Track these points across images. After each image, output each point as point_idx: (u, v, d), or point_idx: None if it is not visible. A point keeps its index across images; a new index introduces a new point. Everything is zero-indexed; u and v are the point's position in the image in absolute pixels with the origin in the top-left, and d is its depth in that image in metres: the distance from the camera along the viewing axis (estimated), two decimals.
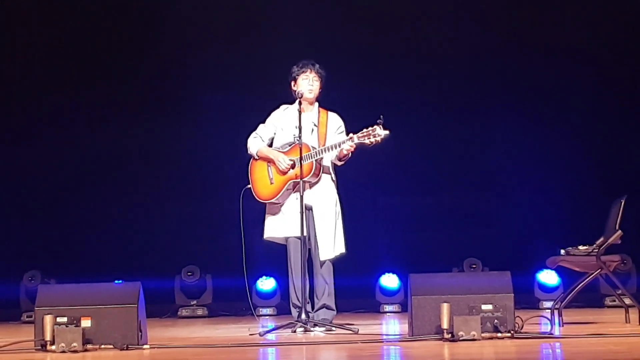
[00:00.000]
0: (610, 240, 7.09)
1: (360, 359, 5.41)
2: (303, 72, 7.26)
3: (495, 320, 5.90)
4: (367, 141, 6.86)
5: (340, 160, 7.13)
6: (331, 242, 7.15)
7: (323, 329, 6.87)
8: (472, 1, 10.19)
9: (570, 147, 10.09)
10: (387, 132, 6.84)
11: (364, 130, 6.89)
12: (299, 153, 6.94)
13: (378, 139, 6.84)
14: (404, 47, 10.26)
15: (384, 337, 6.82)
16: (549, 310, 7.55)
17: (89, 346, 5.78)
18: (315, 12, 10.13)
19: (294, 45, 9.43)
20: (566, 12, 10.11)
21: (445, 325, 5.78)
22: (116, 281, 7.32)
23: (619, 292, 7.79)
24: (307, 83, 7.23)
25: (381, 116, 6.81)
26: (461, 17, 10.15)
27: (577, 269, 7.45)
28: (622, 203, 7.13)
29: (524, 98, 10.22)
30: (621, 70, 10.12)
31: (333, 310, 7.22)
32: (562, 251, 7.30)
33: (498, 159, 10.16)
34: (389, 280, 9.96)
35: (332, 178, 7.27)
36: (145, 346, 5.89)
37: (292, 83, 7.30)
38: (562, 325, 7.10)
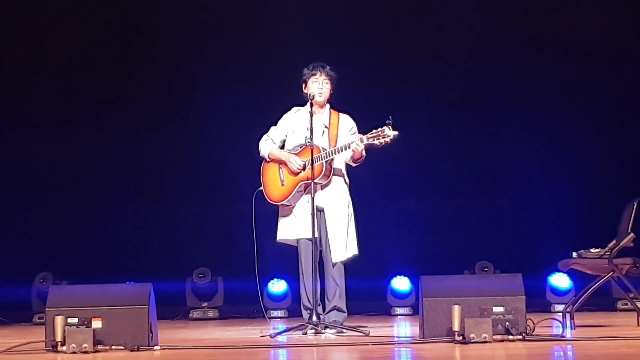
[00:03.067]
0: (622, 243, 7.06)
1: None
2: (313, 74, 7.27)
3: (507, 323, 5.87)
4: (376, 142, 6.87)
5: (355, 162, 7.14)
6: (343, 244, 7.15)
7: (334, 331, 6.86)
8: (486, 2, 10.16)
9: (583, 150, 10.07)
10: (396, 132, 6.83)
11: (373, 131, 6.89)
12: (310, 155, 6.94)
13: (387, 139, 6.84)
14: (417, 48, 10.26)
15: (395, 339, 6.80)
16: (561, 314, 7.52)
17: (100, 347, 5.77)
18: (326, 13, 10.14)
19: (305, 46, 9.46)
20: (582, 12, 10.07)
21: (456, 327, 5.75)
22: (127, 283, 7.32)
23: (631, 295, 7.75)
24: (317, 86, 7.24)
25: (390, 117, 6.81)
26: (475, 18, 10.14)
27: (589, 272, 7.42)
28: (635, 206, 7.10)
29: (536, 101, 10.21)
30: (637, 72, 10.07)
31: (344, 312, 7.21)
32: (574, 254, 7.27)
33: (510, 162, 10.14)
34: (400, 283, 9.96)
35: (345, 180, 7.27)
36: (156, 347, 5.88)
37: (303, 86, 7.32)
38: (574, 328, 7.07)
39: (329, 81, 7.28)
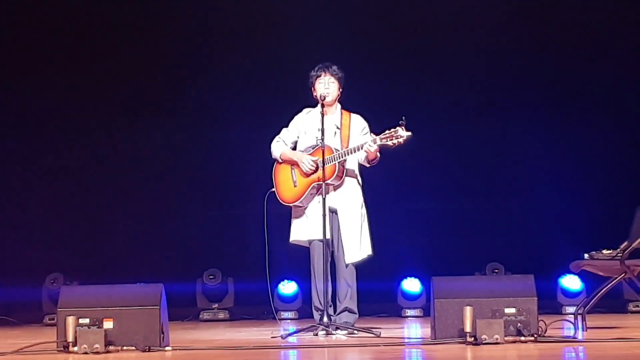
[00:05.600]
0: (634, 244, 7.03)
1: None
2: (318, 76, 7.28)
3: (519, 324, 5.86)
4: (389, 142, 6.86)
5: (369, 162, 7.13)
6: (357, 245, 7.15)
7: (345, 332, 6.85)
8: (495, 2, 10.15)
9: (594, 151, 10.04)
10: (409, 133, 6.82)
11: (386, 131, 6.88)
12: (322, 156, 6.94)
13: (400, 140, 6.83)
14: (429, 50, 10.25)
15: (406, 340, 6.79)
16: (572, 315, 7.50)
17: (111, 347, 5.77)
18: (337, 14, 10.13)
19: (317, 46, 9.46)
20: (591, 12, 10.05)
21: (468, 328, 5.74)
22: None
23: None
24: (323, 86, 7.24)
25: (403, 117, 6.80)
26: (485, 19, 10.11)
27: (600, 273, 7.38)
28: None
29: (548, 102, 10.19)
30: None
31: (355, 313, 7.20)
32: (586, 255, 7.25)
33: (521, 163, 10.13)
34: (411, 285, 9.94)
35: (357, 181, 7.27)
36: (167, 348, 5.88)
37: (312, 88, 7.32)
38: (586, 330, 7.05)
39: (335, 80, 7.27)
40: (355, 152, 7.03)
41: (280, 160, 7.32)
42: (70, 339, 5.73)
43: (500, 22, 10.14)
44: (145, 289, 6.15)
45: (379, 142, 6.90)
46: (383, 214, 9.18)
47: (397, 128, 6.83)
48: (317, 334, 6.80)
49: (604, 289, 7.30)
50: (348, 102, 7.37)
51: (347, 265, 7.14)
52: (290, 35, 10.09)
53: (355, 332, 6.86)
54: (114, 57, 10.31)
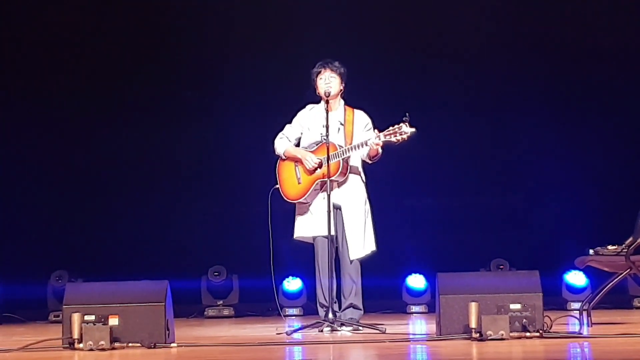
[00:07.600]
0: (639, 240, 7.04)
1: (387, 357, 5.38)
2: (319, 72, 7.28)
3: (524, 320, 5.87)
4: (393, 139, 6.85)
5: (371, 159, 7.13)
6: (361, 241, 7.15)
7: (350, 328, 6.86)
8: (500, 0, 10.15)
9: (599, 146, 10.03)
10: (413, 129, 6.82)
11: (390, 128, 6.87)
12: (326, 152, 6.94)
13: (404, 136, 6.83)
14: (432, 46, 10.23)
15: (411, 336, 6.80)
16: (577, 311, 7.50)
17: (117, 344, 5.79)
18: (340, 10, 10.11)
19: (319, 43, 9.43)
20: (595, 11, 10.04)
21: (473, 324, 5.75)
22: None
23: None
24: (324, 82, 7.23)
25: (407, 114, 6.80)
26: (488, 15, 10.10)
27: (605, 269, 7.38)
28: None
29: (552, 97, 10.17)
30: None
31: (360, 309, 7.21)
32: (591, 251, 7.24)
33: (526, 159, 10.12)
34: (416, 281, 9.93)
35: (361, 178, 7.27)
36: (172, 344, 5.89)
37: (314, 85, 7.32)
38: (591, 326, 7.05)
39: (337, 76, 7.25)
40: (359, 148, 7.02)
41: (283, 157, 7.33)
42: (75, 335, 5.74)
43: (505, 19, 10.12)
44: (150, 286, 6.16)
45: (383, 139, 6.89)
46: (387, 210, 9.19)
47: (401, 124, 6.83)
48: (322, 331, 6.81)
49: (609, 285, 7.30)
50: (351, 98, 7.36)
51: (351, 262, 7.15)
52: (293, 32, 10.07)
53: (360, 328, 6.87)
54: (116, 57, 10.31)
